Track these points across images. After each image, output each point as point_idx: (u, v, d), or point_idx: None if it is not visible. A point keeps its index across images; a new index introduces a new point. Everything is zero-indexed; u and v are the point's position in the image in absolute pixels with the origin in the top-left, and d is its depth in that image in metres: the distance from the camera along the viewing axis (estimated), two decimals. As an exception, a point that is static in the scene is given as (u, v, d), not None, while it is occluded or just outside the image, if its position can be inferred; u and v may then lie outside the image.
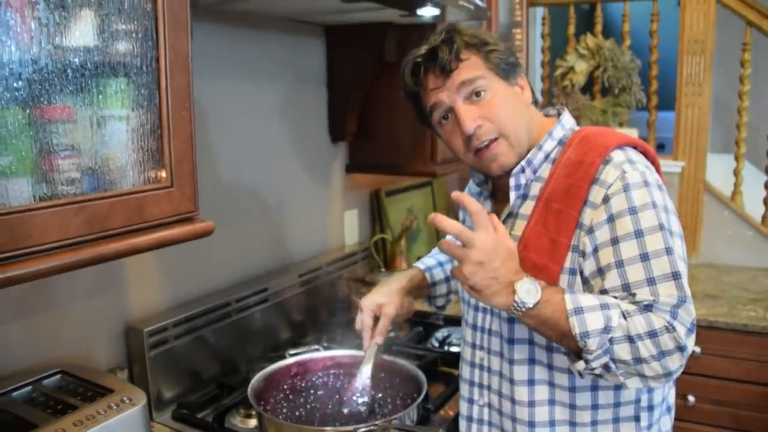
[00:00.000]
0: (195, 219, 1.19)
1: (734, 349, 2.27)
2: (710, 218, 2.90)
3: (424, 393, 1.44)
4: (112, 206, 1.03)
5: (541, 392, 1.21)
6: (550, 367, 1.20)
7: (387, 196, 2.50)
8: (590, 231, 1.12)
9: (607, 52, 3.01)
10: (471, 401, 1.35)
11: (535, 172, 1.23)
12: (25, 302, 1.36)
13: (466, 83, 1.20)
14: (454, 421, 1.49)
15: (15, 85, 0.88)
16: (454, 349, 1.91)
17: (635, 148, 1.20)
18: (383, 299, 1.41)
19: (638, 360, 1.05)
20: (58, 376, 1.32)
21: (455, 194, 1.09)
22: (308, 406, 1.49)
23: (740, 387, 2.28)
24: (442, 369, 1.79)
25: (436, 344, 1.97)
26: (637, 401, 1.19)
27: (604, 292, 1.11)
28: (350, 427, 1.32)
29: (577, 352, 1.08)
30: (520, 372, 1.22)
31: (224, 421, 1.54)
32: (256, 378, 1.51)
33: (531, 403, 1.22)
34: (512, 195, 1.24)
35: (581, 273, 1.14)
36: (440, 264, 1.57)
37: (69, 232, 0.97)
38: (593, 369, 1.06)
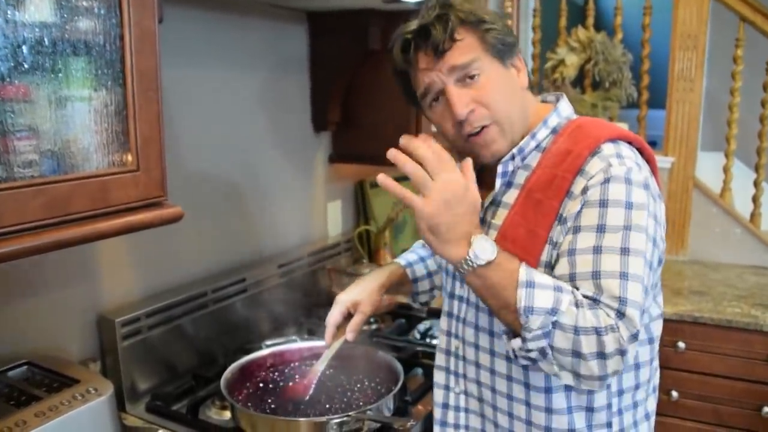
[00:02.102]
0: (163, 204, 1.16)
1: (718, 344, 2.26)
2: (699, 215, 2.89)
3: (400, 383, 1.42)
4: (73, 190, 1.00)
5: (518, 391, 1.18)
6: (525, 366, 1.15)
7: (371, 188, 2.47)
8: (564, 222, 1.07)
9: (599, 45, 2.98)
10: (447, 388, 1.32)
11: (523, 159, 1.18)
12: (-10, 290, 1.33)
13: (459, 67, 1.13)
14: (432, 413, 1.47)
15: (-34, 60, 0.85)
16: (435, 341, 1.88)
17: (630, 143, 1.15)
18: (360, 297, 1.37)
19: (577, 354, 0.98)
20: (25, 367, 1.30)
21: (390, 153, 1.02)
22: (281, 397, 1.46)
23: (723, 382, 2.27)
24: (423, 361, 1.76)
25: (418, 336, 1.95)
26: (609, 406, 1.16)
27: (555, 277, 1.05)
28: (323, 418, 1.29)
29: (515, 331, 1.02)
30: (500, 365, 1.20)
31: (198, 412, 1.52)
32: (230, 369, 1.49)
33: (509, 396, 1.19)
34: (498, 182, 1.19)
35: None
36: (422, 259, 1.54)
37: (26, 216, 0.94)
38: (529, 351, 1.00)
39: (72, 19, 0.96)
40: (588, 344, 0.97)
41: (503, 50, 1.16)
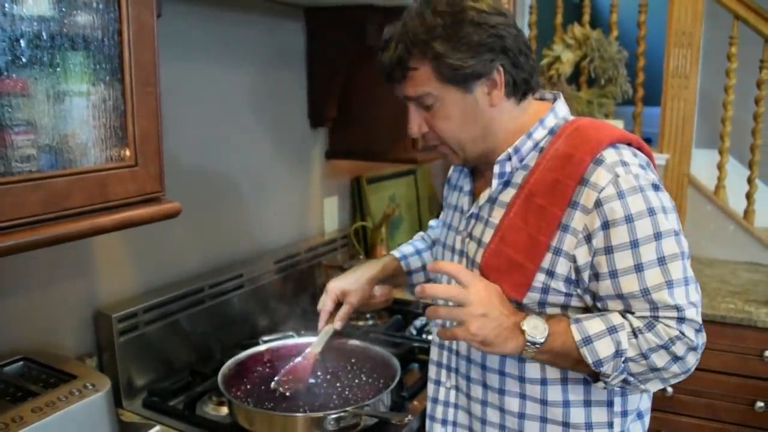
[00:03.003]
0: (161, 199, 1.16)
1: (712, 340, 2.22)
2: (693, 212, 2.90)
3: (397, 379, 1.43)
4: (71, 185, 1.00)
5: (512, 385, 1.19)
6: (521, 359, 1.16)
7: (368, 184, 2.47)
8: (588, 239, 1.07)
9: (594, 42, 2.98)
10: (438, 383, 1.32)
11: (521, 160, 1.17)
12: (-13, 286, 1.33)
13: (411, 97, 1.16)
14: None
15: (-37, 54, 0.85)
16: (431, 337, 1.88)
17: (630, 144, 1.15)
18: (349, 287, 1.39)
19: (655, 369, 1.07)
20: (21, 363, 1.29)
21: (430, 266, 1.13)
22: (279, 392, 1.46)
23: (717, 378, 2.28)
24: (420, 357, 1.77)
25: (414, 332, 1.95)
26: (610, 403, 1.17)
27: (600, 299, 1.10)
28: (321, 413, 1.29)
29: (594, 375, 1.09)
30: (492, 360, 1.20)
31: (195, 408, 1.52)
32: (228, 365, 1.49)
33: (501, 391, 1.20)
34: (494, 182, 1.19)
35: (576, 282, 1.10)
36: (418, 252, 1.54)
37: (24, 211, 0.93)
38: (613, 386, 1.09)
39: (70, 13, 0.96)
40: (660, 359, 1.06)
41: (464, 78, 1.10)
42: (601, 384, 1.09)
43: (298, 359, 1.45)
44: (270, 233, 2.07)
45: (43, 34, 0.93)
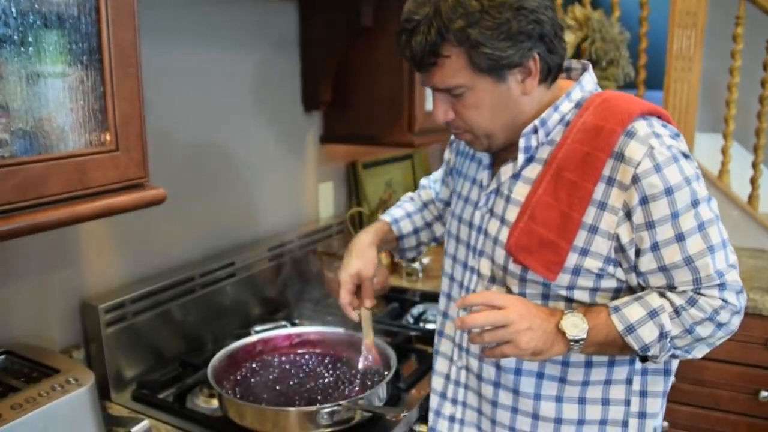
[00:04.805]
0: (145, 186, 1.11)
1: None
2: None
3: (393, 370, 1.39)
4: (48, 171, 0.95)
5: (530, 363, 1.15)
6: None
7: (364, 169, 2.42)
8: (628, 216, 1.03)
9: (596, 23, 2.91)
10: (451, 359, 1.29)
11: (548, 134, 1.12)
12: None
13: (441, 88, 1.09)
14: (426, 399, 1.43)
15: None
16: (429, 326, 1.85)
17: (659, 117, 1.11)
18: (359, 265, 1.34)
19: (700, 339, 1.08)
20: (3, 357, 1.25)
21: (459, 303, 1.09)
22: (271, 385, 1.42)
23: (721, 367, 2.25)
24: (417, 346, 1.73)
25: (412, 321, 1.91)
26: (629, 381, 1.15)
27: (641, 275, 1.08)
28: (313, 408, 1.25)
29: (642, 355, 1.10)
30: None
31: (186, 401, 1.48)
32: (218, 356, 1.45)
33: (518, 371, 1.16)
34: (521, 157, 1.13)
35: (615, 261, 1.07)
36: (408, 215, 1.51)
37: (-3, 198, 0.89)
38: (662, 361, 1.12)
39: (42, -12, 0.90)
40: (705, 329, 1.07)
41: (497, 67, 1.04)
42: (650, 363, 1.12)
43: (368, 358, 1.41)
44: (263, 220, 2.03)
45: (13, 10, 0.87)
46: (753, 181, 2.76)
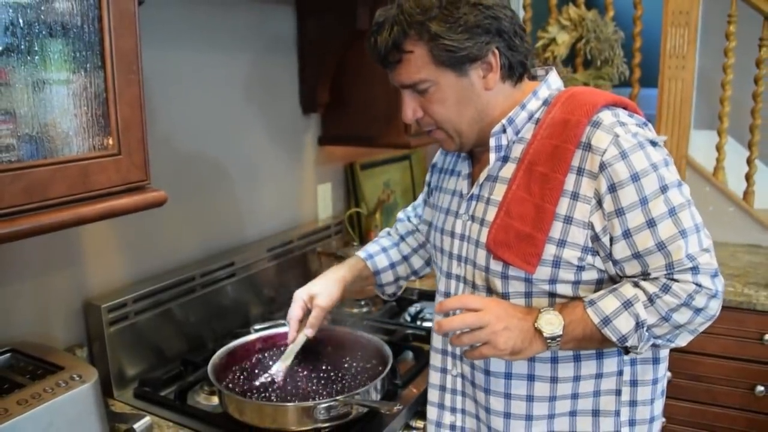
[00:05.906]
0: (146, 188, 1.14)
1: (711, 324, 2.25)
2: (692, 194, 2.77)
3: (389, 367, 1.41)
4: (52, 174, 0.98)
5: (519, 366, 1.17)
6: None
7: (362, 170, 2.45)
8: (600, 204, 1.07)
9: (590, 23, 2.93)
10: (444, 371, 1.31)
11: (517, 132, 1.17)
12: (-27, 278, 1.31)
13: (406, 84, 1.15)
14: (422, 396, 1.46)
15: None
16: (426, 324, 1.88)
17: (625, 108, 1.14)
18: (317, 291, 1.39)
19: (679, 326, 1.08)
20: (8, 354, 1.28)
21: (438, 308, 1.14)
22: (270, 381, 1.45)
23: (717, 362, 2.27)
24: (413, 344, 1.76)
25: (409, 319, 1.94)
26: (620, 372, 1.17)
27: (616, 263, 1.09)
28: (311, 403, 1.28)
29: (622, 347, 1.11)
30: None
31: (187, 398, 1.51)
32: (218, 354, 1.48)
33: (508, 375, 1.18)
34: (492, 156, 1.18)
35: (593, 250, 1.10)
36: (384, 250, 1.53)
37: (3, 201, 0.92)
38: (644, 353, 1.12)
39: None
40: (682, 316, 1.07)
41: (459, 60, 1.10)
42: (631, 355, 1.12)
43: (277, 377, 1.42)
44: (263, 221, 2.06)
45: (20, 20, 0.90)
46: (748, 178, 2.78)
